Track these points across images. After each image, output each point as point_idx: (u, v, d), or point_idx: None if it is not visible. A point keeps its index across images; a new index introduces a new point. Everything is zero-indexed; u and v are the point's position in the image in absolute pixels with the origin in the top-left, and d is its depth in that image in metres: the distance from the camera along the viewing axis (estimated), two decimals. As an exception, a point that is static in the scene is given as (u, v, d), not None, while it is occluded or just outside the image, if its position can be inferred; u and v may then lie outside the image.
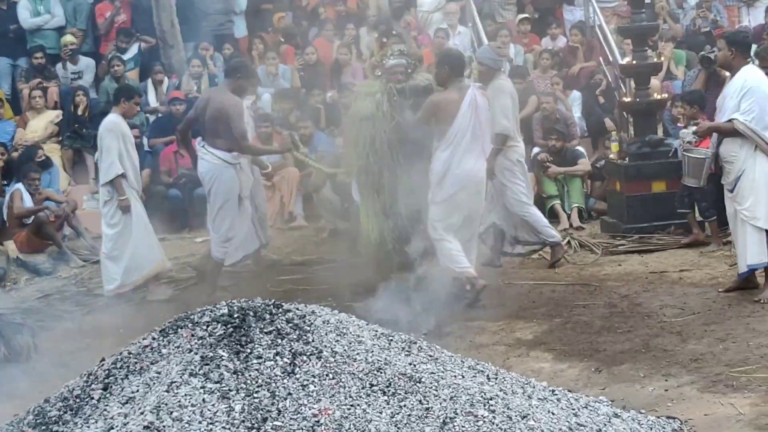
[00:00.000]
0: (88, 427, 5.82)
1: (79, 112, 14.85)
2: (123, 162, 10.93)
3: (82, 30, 16.39)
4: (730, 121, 9.08)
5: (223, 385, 5.78)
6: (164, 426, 5.57)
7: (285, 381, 5.81)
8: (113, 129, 10.98)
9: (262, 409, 5.62)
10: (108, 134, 10.98)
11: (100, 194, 11.32)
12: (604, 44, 15.67)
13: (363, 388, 5.85)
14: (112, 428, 5.71)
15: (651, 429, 6.42)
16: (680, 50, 15.48)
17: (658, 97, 12.78)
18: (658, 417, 6.64)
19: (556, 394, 6.48)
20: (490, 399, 5.97)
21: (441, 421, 5.68)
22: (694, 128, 10.22)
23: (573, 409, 6.31)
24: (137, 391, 6.02)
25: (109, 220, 11.01)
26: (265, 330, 6.17)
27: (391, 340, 6.65)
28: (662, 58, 14.30)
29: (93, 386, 6.27)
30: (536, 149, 13.79)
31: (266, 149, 12.32)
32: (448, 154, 9.70)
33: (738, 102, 9.04)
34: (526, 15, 16.81)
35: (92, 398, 6.14)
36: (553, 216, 12.78)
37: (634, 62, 12.66)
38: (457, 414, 5.75)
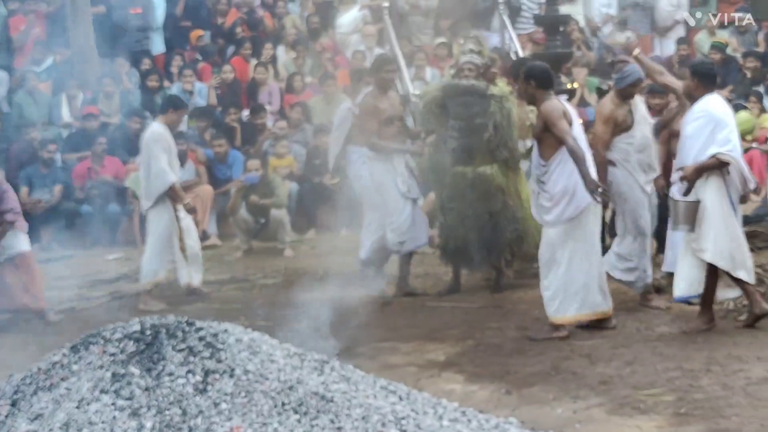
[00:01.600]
0: (-5, 444, 5.75)
1: (-8, 125, 14.68)
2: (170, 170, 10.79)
3: (-6, 43, 16.23)
4: (713, 156, 8.88)
5: (134, 402, 5.75)
6: (73, 443, 5.52)
7: (197, 398, 5.80)
8: (159, 139, 10.79)
9: (173, 427, 5.60)
10: (155, 144, 10.76)
11: (142, 203, 11.10)
12: (519, 70, 15.82)
13: (275, 406, 5.85)
14: (21, 445, 5.65)
15: (559, 450, 6.50)
16: (593, 78, 15.73)
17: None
18: (567, 438, 6.72)
19: (467, 415, 6.53)
20: (402, 419, 6.00)
21: (352, 440, 5.70)
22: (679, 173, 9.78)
23: (483, 430, 6.36)
24: (46, 407, 5.96)
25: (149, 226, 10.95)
26: (177, 347, 6.14)
27: (304, 359, 6.65)
28: (576, 85, 14.51)
29: (0, 402, 6.19)
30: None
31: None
32: (571, 165, 8.84)
33: (710, 134, 8.92)
34: (443, 39, 16.96)
35: (0, 415, 6.06)
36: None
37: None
38: (368, 433, 5.77)
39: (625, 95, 9.65)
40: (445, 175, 10.76)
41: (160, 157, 10.65)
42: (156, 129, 10.93)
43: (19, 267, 9.98)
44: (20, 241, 10.16)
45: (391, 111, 10.79)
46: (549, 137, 8.91)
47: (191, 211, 10.99)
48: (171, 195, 10.73)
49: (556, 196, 8.91)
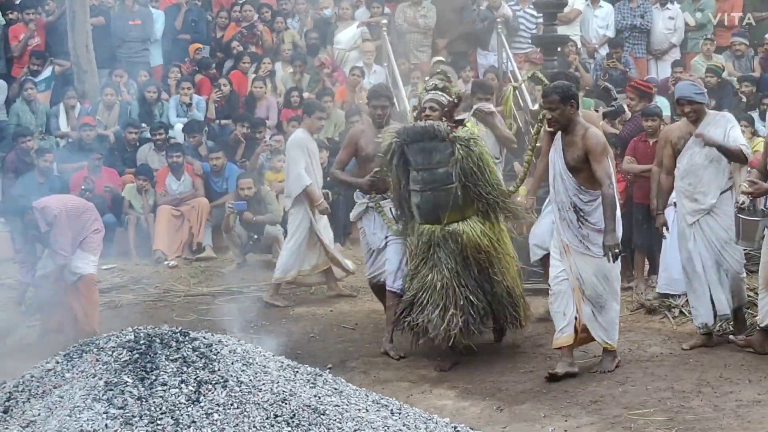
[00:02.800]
0: (-13, 449, 5.76)
1: (-12, 135, 14.69)
2: (309, 174, 11.43)
3: (-7, 51, 16.23)
4: None
5: (127, 410, 5.76)
6: (65, 450, 5.53)
7: (189, 409, 5.81)
8: (299, 144, 11.51)
9: (165, 436, 5.61)
10: (294, 149, 11.52)
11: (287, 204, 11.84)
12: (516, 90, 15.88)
13: (267, 418, 5.87)
14: (12, 451, 5.66)
15: (550, 467, 6.52)
16: (589, 99, 15.77)
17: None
18: (557, 456, 6.75)
19: (458, 430, 6.55)
20: (393, 433, 6.03)
21: (344, 453, 5.72)
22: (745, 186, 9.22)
23: (474, 446, 6.39)
24: (38, 414, 5.98)
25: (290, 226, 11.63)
26: (171, 357, 6.17)
27: (297, 371, 6.68)
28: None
29: (-7, 409, 6.20)
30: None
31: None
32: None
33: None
34: (441, 58, 17.01)
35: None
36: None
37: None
38: (360, 447, 5.79)
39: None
40: (412, 233, 9.23)
41: (299, 161, 11.42)
42: (296, 134, 11.77)
43: (80, 289, 9.89)
44: (85, 263, 9.99)
45: (373, 149, 9.72)
46: (590, 168, 8.31)
47: (323, 212, 11.67)
48: (307, 193, 11.46)
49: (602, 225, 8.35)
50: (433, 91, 9.29)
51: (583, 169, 8.38)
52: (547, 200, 10.35)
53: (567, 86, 8.55)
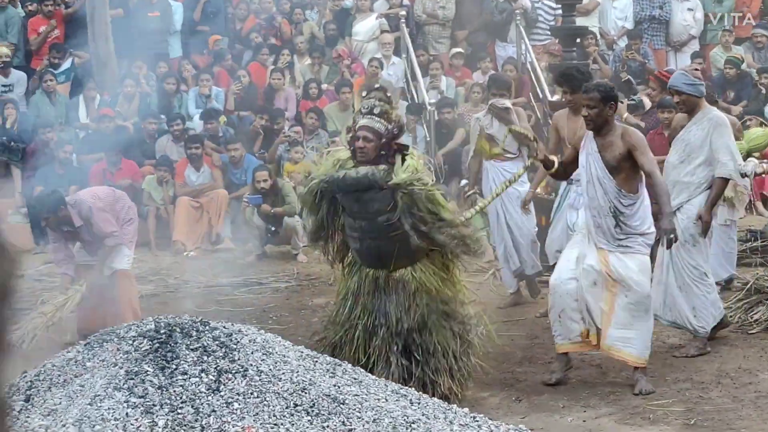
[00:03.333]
0: (9, 438, 5.78)
1: (8, 125, 14.74)
2: None
3: (13, 44, 16.29)
4: None
5: (147, 399, 5.78)
6: (86, 439, 5.56)
7: (209, 398, 5.83)
8: None
9: (185, 425, 5.63)
10: None
11: None
12: (535, 81, 15.90)
13: (287, 407, 5.89)
14: (34, 440, 5.69)
15: (569, 458, 6.53)
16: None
17: (586, 134, 12.97)
18: (576, 446, 6.76)
19: (477, 421, 6.56)
20: (413, 423, 6.04)
21: (363, 442, 5.74)
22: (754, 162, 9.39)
23: (493, 436, 6.40)
24: (60, 403, 6.01)
25: None
26: (191, 347, 6.19)
27: (317, 361, 6.69)
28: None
29: (14, 398, 6.23)
30: (464, 181, 13.91)
31: None
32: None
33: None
34: (460, 49, 17.01)
35: (13, 410, 6.10)
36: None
37: (563, 99, 12.84)
38: (379, 436, 5.81)
39: None
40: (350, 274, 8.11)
41: None
42: None
43: (116, 285, 9.84)
44: (119, 259, 9.93)
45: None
46: (630, 168, 7.94)
47: None
48: None
49: (645, 232, 8.05)
50: (369, 116, 7.69)
51: (623, 169, 7.98)
52: (555, 206, 10.36)
53: (610, 87, 8.15)
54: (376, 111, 7.67)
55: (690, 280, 8.78)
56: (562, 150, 9.89)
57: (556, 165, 8.31)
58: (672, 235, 7.85)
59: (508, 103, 10.77)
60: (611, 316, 7.95)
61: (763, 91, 15.47)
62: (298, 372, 6.25)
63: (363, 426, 5.87)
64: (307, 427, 5.78)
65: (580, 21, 15.55)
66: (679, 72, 9.38)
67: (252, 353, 6.26)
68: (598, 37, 17.24)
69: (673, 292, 8.70)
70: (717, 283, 10.29)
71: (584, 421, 7.40)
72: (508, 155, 10.63)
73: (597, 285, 7.98)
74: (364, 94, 8.51)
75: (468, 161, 11.27)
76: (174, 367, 6.03)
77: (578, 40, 14.72)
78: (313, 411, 5.91)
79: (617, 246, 7.97)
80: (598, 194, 8.01)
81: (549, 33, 16.72)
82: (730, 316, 9.51)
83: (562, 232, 10.07)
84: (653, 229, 8.03)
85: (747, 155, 10.27)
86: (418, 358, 7.70)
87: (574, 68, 10.28)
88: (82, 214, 9.44)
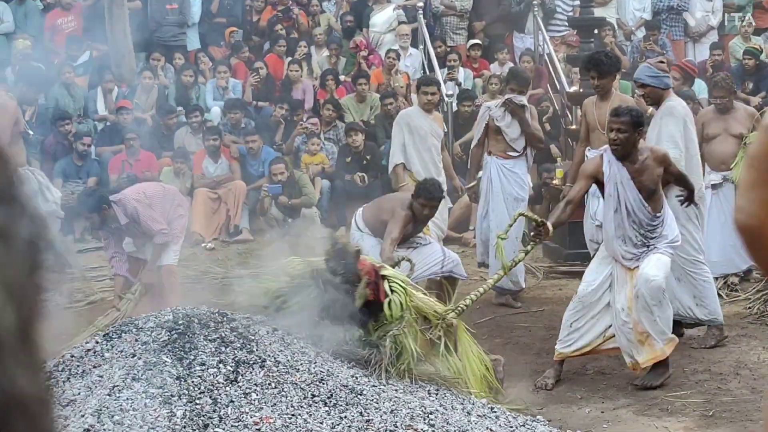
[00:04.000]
0: (28, 428, 5.81)
1: (26, 118, 14.77)
2: (407, 152, 10.70)
3: (32, 36, 16.33)
4: None
5: (166, 390, 5.81)
6: (105, 429, 5.59)
7: (227, 388, 5.86)
8: (398, 120, 10.98)
9: (203, 416, 5.65)
10: (394, 126, 11.02)
11: None
12: (552, 72, 15.87)
13: (305, 398, 5.90)
14: (53, 430, 5.70)
15: (586, 449, 6.53)
16: (626, 81, 15.71)
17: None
18: (594, 437, 6.76)
19: (495, 412, 6.56)
20: (430, 414, 6.05)
21: (381, 433, 5.75)
22: None
23: (511, 427, 6.40)
24: (78, 394, 6.03)
25: None
26: (209, 337, 6.21)
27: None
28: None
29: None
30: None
31: None
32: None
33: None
34: (477, 41, 16.99)
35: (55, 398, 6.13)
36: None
37: (581, 90, 12.83)
38: (397, 427, 5.81)
39: None
40: None
41: (395, 137, 10.85)
42: (402, 111, 11.35)
43: (162, 280, 9.86)
44: (166, 254, 9.93)
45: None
46: (660, 185, 7.87)
47: None
48: (396, 173, 10.80)
49: (673, 240, 7.96)
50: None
51: (658, 189, 7.84)
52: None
53: (640, 112, 7.97)
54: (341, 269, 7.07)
55: (686, 269, 8.72)
56: (592, 138, 9.90)
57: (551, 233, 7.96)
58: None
59: (524, 100, 10.72)
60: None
61: (782, 81, 15.41)
62: (315, 363, 6.26)
63: (380, 417, 5.88)
64: (325, 418, 5.79)
65: (598, 12, 15.51)
66: (643, 65, 9.32)
67: (270, 344, 6.28)
68: (616, 28, 17.19)
69: (672, 283, 8.57)
70: (735, 275, 10.28)
71: (602, 412, 7.40)
72: (512, 153, 10.55)
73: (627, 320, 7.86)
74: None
75: (471, 149, 11.12)
76: (192, 357, 6.05)
77: (596, 31, 14.67)
78: (330, 402, 5.92)
79: (643, 252, 7.85)
80: (627, 225, 7.80)
81: (567, 24, 16.68)
82: (749, 307, 9.48)
83: (586, 220, 10.12)
84: (679, 238, 7.97)
85: None
86: None
87: (602, 53, 10.24)
88: (128, 212, 9.42)
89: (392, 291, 7.03)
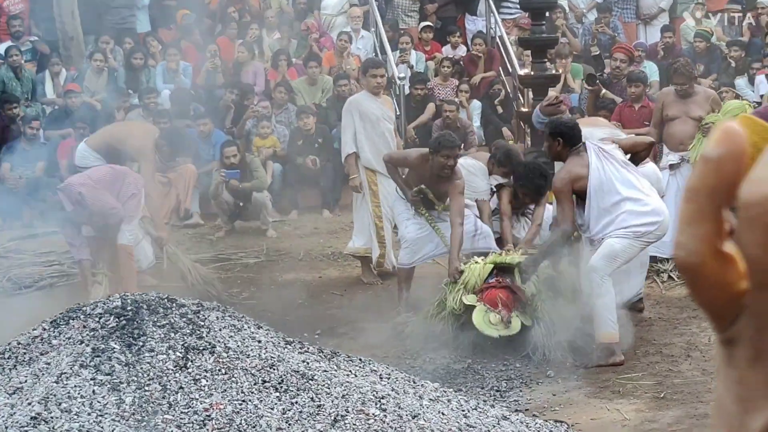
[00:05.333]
0: (-27, 416, 5.73)
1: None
2: (359, 140, 10.59)
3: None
4: None
5: (114, 377, 5.74)
6: (52, 417, 5.51)
7: (177, 375, 5.80)
8: (348, 107, 10.75)
9: (152, 402, 5.60)
10: (343, 114, 10.84)
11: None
12: (504, 55, 15.87)
13: (255, 384, 5.85)
14: (-1, 418, 5.63)
15: (538, 432, 6.53)
16: (577, 64, 15.75)
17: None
18: (546, 420, 6.76)
19: (447, 395, 6.55)
20: (382, 398, 6.02)
21: (332, 418, 5.71)
22: None
23: (463, 411, 6.38)
24: (25, 381, 5.95)
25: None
26: (158, 323, 6.14)
27: (285, 337, 6.66)
28: (560, 70, 14.52)
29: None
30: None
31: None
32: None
33: None
34: (429, 23, 16.95)
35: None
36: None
37: (533, 73, 12.83)
38: (348, 412, 5.78)
39: None
40: None
41: (346, 125, 10.71)
42: (351, 97, 11.19)
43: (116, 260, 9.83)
44: (120, 234, 9.89)
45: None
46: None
47: (355, 189, 10.82)
48: (347, 163, 10.76)
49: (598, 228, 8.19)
50: None
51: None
52: None
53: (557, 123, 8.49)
54: None
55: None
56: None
57: None
58: None
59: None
60: None
61: (733, 64, 15.49)
62: (266, 348, 6.21)
63: (332, 402, 5.84)
64: (276, 404, 5.75)
65: (549, -6, 15.50)
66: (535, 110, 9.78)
67: (220, 330, 6.23)
68: (567, 10, 17.22)
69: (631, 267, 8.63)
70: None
71: (554, 395, 7.41)
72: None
73: None
74: None
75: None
76: (141, 344, 5.99)
77: (547, 14, 14.68)
78: (281, 387, 5.88)
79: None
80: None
81: (518, 7, 16.67)
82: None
83: None
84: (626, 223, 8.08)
85: None
86: None
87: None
88: (72, 198, 9.41)
89: None
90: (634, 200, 8.05)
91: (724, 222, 0.58)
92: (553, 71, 13.33)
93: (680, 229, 0.59)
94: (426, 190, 9.24)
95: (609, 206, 8.03)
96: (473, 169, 9.65)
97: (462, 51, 16.46)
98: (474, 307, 8.34)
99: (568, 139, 8.27)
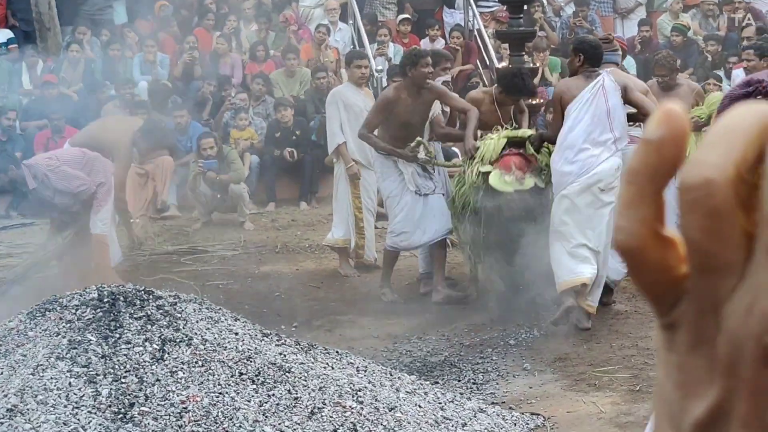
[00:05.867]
0: (-51, 408, 5.72)
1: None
2: (344, 131, 10.59)
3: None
4: None
5: (91, 369, 5.73)
6: (28, 409, 5.50)
7: (153, 367, 5.79)
8: (332, 99, 10.78)
9: (129, 395, 5.59)
10: (328, 105, 10.85)
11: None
12: (482, 48, 15.89)
13: (232, 376, 5.85)
14: (-26, 410, 5.61)
15: (515, 424, 6.55)
16: (555, 57, 15.77)
17: (534, 101, 12.97)
18: (522, 413, 6.78)
19: (424, 388, 6.56)
20: (359, 390, 6.03)
21: (309, 410, 5.72)
22: None
23: (440, 403, 6.40)
24: (1, 373, 5.93)
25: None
26: (135, 315, 6.13)
27: (262, 329, 6.66)
28: (538, 63, 14.55)
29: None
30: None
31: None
32: None
33: None
34: (407, 16, 16.95)
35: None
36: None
37: (510, 66, 12.83)
38: (325, 404, 5.79)
39: None
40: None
41: (332, 117, 10.70)
42: (334, 89, 11.29)
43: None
44: (93, 222, 9.84)
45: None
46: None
47: (353, 176, 10.72)
48: (340, 152, 10.71)
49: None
50: None
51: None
52: None
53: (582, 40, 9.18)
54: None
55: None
56: None
57: None
58: None
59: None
60: None
61: (710, 58, 15.54)
62: (243, 341, 6.21)
63: (309, 394, 5.85)
64: (253, 396, 5.75)
65: (527, -12, 15.52)
66: None
67: (197, 322, 6.22)
68: (545, 4, 17.24)
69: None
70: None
71: (530, 387, 7.43)
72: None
73: None
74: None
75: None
76: (117, 336, 5.97)
77: (525, 7, 14.69)
78: (258, 379, 5.88)
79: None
80: None
81: (496, 0, 16.70)
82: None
83: None
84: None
85: (708, 119, 10.31)
86: None
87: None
88: (38, 175, 9.34)
89: None
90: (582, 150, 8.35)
91: (664, 205, 0.59)
92: (531, 64, 13.34)
93: (620, 212, 0.60)
94: (422, 140, 9.44)
95: (564, 142, 8.43)
96: None
97: (440, 44, 16.46)
98: (490, 173, 8.87)
99: (588, 57, 8.60)
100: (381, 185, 9.95)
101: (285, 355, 6.24)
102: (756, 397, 0.56)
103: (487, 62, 15.50)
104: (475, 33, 16.30)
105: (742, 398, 0.56)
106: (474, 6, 16.37)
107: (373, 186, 10.59)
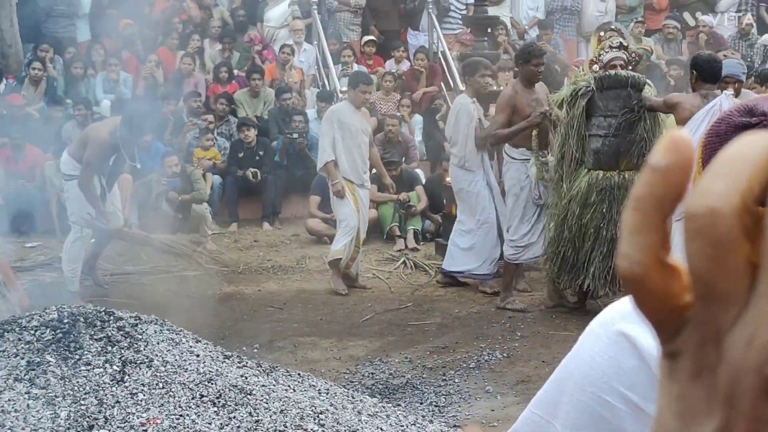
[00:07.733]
0: None
1: None
2: (337, 149, 10.67)
3: None
4: None
5: (49, 391, 5.67)
6: (-15, 431, 5.43)
7: (113, 389, 5.73)
8: (329, 116, 10.92)
9: (88, 417, 5.53)
10: (324, 122, 11.02)
11: None
12: (446, 70, 15.93)
13: (193, 398, 5.81)
14: (-70, 433, 5.54)
15: (477, 448, 6.53)
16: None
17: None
18: (484, 436, 6.77)
19: (386, 411, 6.53)
20: (321, 413, 5.99)
21: (270, 433, 5.68)
22: None
23: (402, 426, 6.37)
24: (-42, 395, 5.85)
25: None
26: (95, 337, 6.08)
27: (223, 352, 6.62)
28: (502, 86, 14.58)
29: None
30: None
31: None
32: None
33: None
34: (372, 37, 16.97)
35: None
36: (390, 238, 12.86)
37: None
38: (287, 427, 5.75)
39: None
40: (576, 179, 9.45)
41: (325, 133, 10.86)
42: (331, 107, 11.54)
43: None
44: None
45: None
46: None
47: (337, 194, 10.79)
48: (327, 170, 10.83)
49: None
50: (615, 49, 9.57)
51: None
52: None
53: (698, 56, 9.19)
54: (615, 44, 9.60)
55: None
56: None
57: None
58: None
59: None
60: None
61: (672, 82, 15.64)
62: (204, 363, 6.17)
63: (270, 417, 5.81)
64: (213, 418, 5.70)
65: (491, 11, 15.62)
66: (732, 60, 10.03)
67: (158, 344, 6.17)
68: (510, 27, 17.32)
69: None
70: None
71: (492, 410, 7.42)
72: None
73: None
74: (602, 33, 10.15)
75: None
76: (77, 357, 5.92)
77: (489, 30, 14.77)
78: (219, 402, 5.83)
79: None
80: None
81: (461, 22, 16.76)
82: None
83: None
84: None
85: None
86: None
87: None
88: None
89: None
90: None
91: (669, 233, 0.59)
92: (494, 87, 13.37)
93: (625, 238, 0.59)
94: (548, 109, 9.81)
95: None
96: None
97: (405, 66, 16.50)
98: None
99: (700, 73, 8.61)
100: (511, 192, 10.10)
101: (246, 378, 6.20)
102: (756, 429, 0.55)
103: (451, 84, 15.54)
104: (440, 55, 16.34)
105: (742, 429, 0.56)
106: (438, 28, 16.43)
107: (367, 204, 11.04)
